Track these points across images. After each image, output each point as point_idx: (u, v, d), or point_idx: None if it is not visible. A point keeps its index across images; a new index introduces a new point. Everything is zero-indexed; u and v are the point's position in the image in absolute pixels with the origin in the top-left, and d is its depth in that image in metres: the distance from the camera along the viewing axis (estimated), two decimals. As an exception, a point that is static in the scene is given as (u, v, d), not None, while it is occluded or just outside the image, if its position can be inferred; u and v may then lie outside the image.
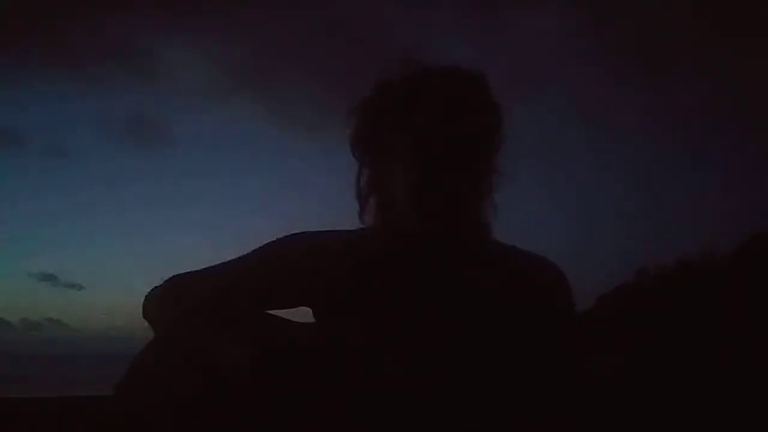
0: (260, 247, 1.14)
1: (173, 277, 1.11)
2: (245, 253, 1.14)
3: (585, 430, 1.07)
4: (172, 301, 1.09)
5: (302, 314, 1.13)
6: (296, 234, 1.16)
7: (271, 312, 1.10)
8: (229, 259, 1.13)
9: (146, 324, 1.11)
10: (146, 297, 1.12)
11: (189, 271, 1.12)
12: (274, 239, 1.15)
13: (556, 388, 1.07)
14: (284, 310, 1.11)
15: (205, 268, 1.13)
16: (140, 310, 1.12)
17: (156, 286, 1.12)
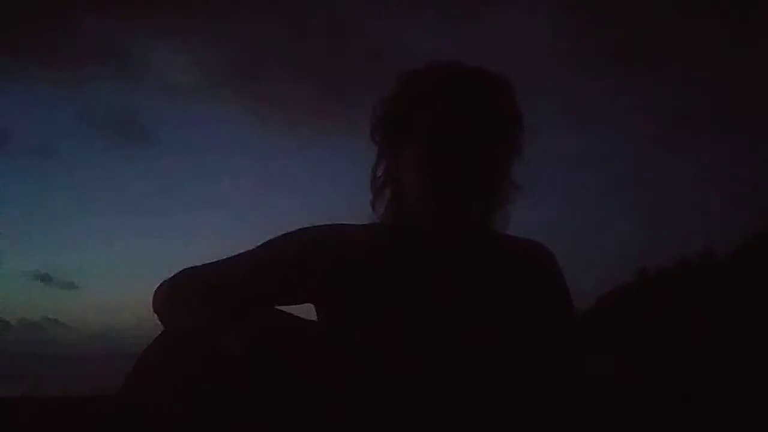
0: (268, 241, 1.13)
1: (182, 270, 1.10)
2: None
3: (586, 430, 1.06)
4: (179, 294, 1.08)
5: (306, 311, 1.12)
6: (304, 228, 1.14)
7: (279, 308, 1.09)
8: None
9: (155, 319, 1.10)
10: (156, 290, 1.11)
11: (197, 265, 1.11)
12: (283, 233, 1.14)
13: (558, 388, 1.06)
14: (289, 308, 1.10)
15: (214, 262, 1.12)
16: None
17: (165, 279, 1.11)
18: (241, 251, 1.15)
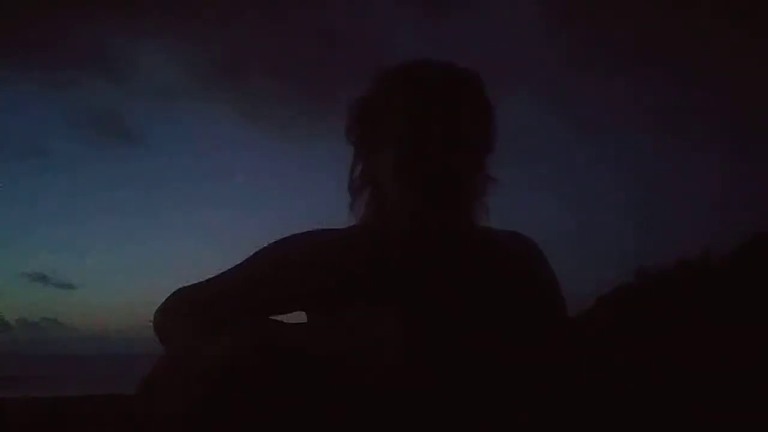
0: (253, 255, 1.13)
1: (175, 291, 1.11)
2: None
3: (585, 430, 1.06)
4: (172, 315, 1.09)
5: (298, 319, 1.12)
6: (288, 237, 1.15)
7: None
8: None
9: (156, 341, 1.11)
10: (155, 314, 1.11)
11: (191, 284, 1.12)
12: (268, 244, 1.14)
13: (557, 386, 1.06)
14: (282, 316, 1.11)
15: (204, 281, 1.12)
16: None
17: (162, 302, 1.12)
18: (228, 267, 1.15)
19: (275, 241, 1.14)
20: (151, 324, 1.10)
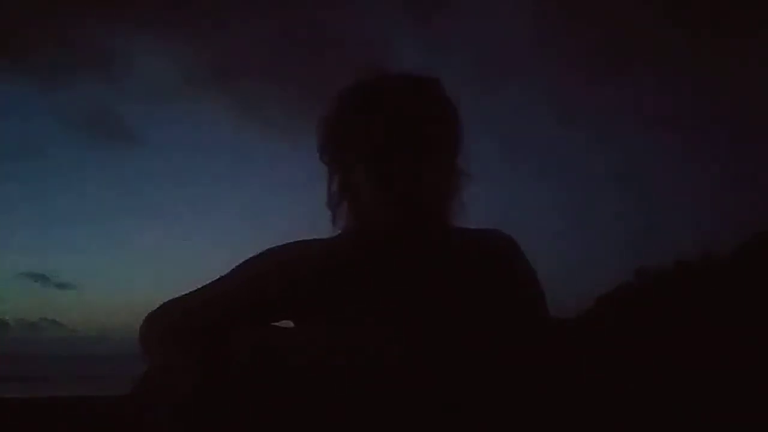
0: (239, 266, 1.14)
1: (162, 305, 1.11)
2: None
3: (585, 430, 1.06)
4: (156, 330, 1.09)
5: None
6: (273, 247, 1.16)
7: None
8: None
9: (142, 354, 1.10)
10: (141, 327, 1.11)
11: (176, 297, 1.12)
12: (253, 255, 1.15)
13: (557, 386, 1.07)
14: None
15: (191, 291, 1.13)
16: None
17: (147, 315, 1.12)
18: (226, 268, 1.15)
19: (261, 252, 1.15)
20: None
